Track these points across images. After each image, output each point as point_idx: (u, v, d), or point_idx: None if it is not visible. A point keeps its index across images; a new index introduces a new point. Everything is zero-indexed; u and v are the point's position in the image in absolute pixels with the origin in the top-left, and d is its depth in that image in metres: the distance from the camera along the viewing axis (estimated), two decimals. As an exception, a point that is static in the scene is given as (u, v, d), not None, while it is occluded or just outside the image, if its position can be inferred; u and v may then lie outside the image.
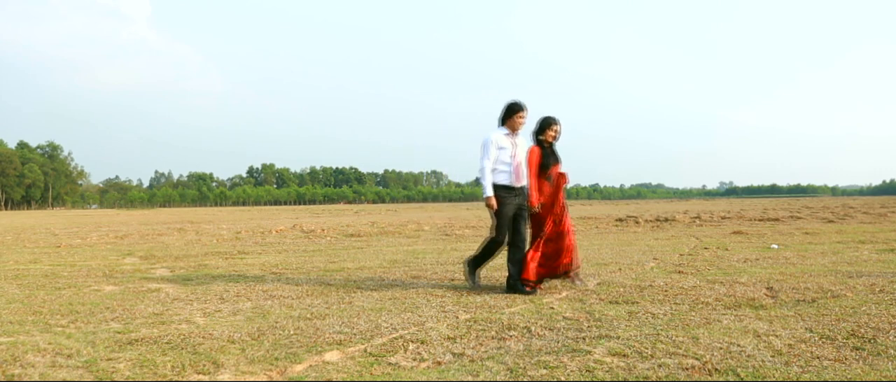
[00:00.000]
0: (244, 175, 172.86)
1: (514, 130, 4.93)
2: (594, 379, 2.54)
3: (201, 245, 10.60)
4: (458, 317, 3.81)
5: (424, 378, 2.61)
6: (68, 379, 2.65)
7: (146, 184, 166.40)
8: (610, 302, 4.26)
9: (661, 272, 5.89)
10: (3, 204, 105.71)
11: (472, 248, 8.71)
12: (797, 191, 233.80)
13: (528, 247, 4.88)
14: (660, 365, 2.70)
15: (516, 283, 4.72)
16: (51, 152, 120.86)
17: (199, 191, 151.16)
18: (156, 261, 7.73)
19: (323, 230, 14.37)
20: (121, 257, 8.39)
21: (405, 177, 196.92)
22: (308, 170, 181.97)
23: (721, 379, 2.52)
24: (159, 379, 2.63)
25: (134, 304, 4.44)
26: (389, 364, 2.82)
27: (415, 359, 2.88)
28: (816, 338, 3.16)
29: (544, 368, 2.69)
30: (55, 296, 4.85)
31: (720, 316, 3.72)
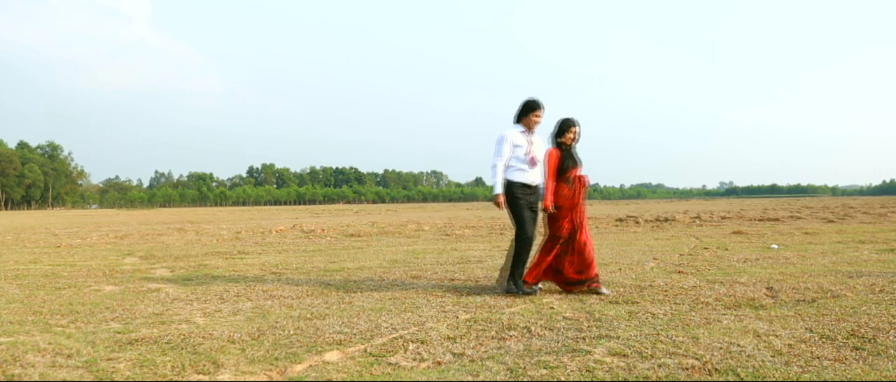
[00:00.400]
0: (244, 175, 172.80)
1: (529, 128, 4.88)
2: (594, 379, 2.54)
3: (201, 245, 10.60)
4: (458, 317, 3.81)
5: (424, 378, 2.61)
6: (68, 379, 2.65)
7: (146, 184, 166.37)
8: (610, 302, 4.26)
9: (661, 272, 5.89)
10: (3, 204, 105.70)
11: (473, 248, 8.73)
12: (797, 191, 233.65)
13: (537, 251, 4.84)
14: (660, 365, 2.70)
15: (516, 283, 4.72)
16: (51, 152, 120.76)
17: (199, 191, 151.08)
18: (156, 261, 7.73)
19: (323, 230, 14.37)
20: (121, 257, 8.39)
21: (405, 177, 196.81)
22: (308, 170, 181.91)
23: (721, 379, 2.52)
24: (159, 379, 2.63)
25: (134, 304, 4.44)
26: (389, 364, 2.82)
27: (415, 359, 2.88)
28: (816, 338, 3.16)
29: (544, 368, 2.69)
30: (55, 296, 4.85)
31: (720, 316, 3.72)
